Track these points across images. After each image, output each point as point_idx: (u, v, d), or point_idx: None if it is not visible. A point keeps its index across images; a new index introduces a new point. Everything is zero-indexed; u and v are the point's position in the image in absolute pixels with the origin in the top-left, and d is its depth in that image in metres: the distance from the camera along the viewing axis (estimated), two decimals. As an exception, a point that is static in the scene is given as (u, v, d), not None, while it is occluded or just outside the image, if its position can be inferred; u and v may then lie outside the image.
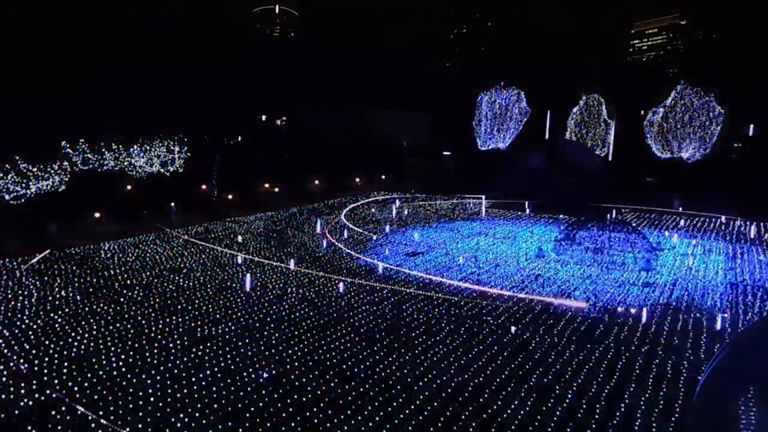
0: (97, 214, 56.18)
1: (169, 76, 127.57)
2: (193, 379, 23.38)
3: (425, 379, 23.77)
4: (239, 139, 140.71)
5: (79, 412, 20.46)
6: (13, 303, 32.26)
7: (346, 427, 20.00)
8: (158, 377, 23.46)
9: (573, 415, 21.05)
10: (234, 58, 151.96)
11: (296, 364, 25.02)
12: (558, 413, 21.17)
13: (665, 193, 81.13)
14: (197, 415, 20.58)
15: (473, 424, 20.28)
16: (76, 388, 22.27)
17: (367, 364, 25.17)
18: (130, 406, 21.10)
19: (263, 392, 22.35)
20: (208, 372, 24.08)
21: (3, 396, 21.58)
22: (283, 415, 20.71)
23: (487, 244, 51.98)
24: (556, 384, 23.54)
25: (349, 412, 21.02)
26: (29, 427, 19.49)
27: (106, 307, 31.93)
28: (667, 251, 49.77)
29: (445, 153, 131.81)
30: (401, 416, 20.76)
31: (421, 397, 22.24)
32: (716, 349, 27.00)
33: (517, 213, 70.47)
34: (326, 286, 37.13)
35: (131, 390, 22.28)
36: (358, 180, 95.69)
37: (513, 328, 29.59)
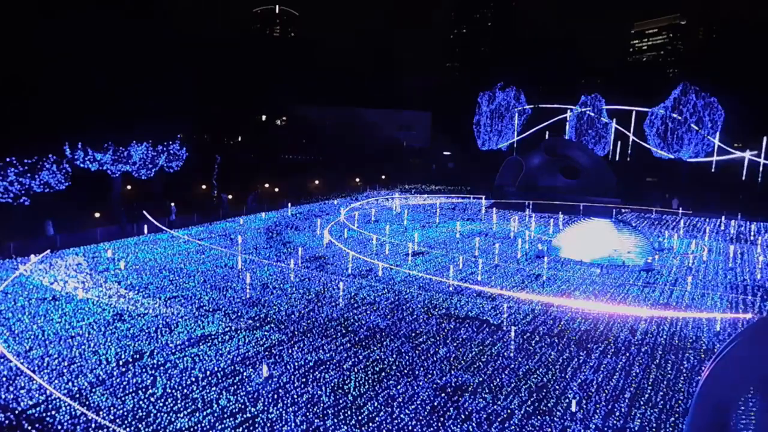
0: (97, 214, 56.12)
1: (170, 75, 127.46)
2: (193, 379, 23.40)
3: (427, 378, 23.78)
4: (239, 139, 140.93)
5: (79, 412, 20.46)
6: (13, 302, 32.32)
7: (345, 428, 20.00)
8: (158, 377, 23.47)
9: (572, 415, 21.06)
10: (234, 58, 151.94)
11: (295, 364, 25.07)
12: (557, 413, 21.17)
13: (665, 193, 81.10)
14: (197, 414, 20.58)
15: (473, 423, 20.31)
16: (76, 389, 22.29)
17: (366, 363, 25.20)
18: (130, 406, 21.10)
19: (263, 392, 22.37)
20: (208, 371, 24.10)
21: (3, 396, 21.57)
22: (283, 414, 20.72)
23: (487, 243, 52.04)
24: (555, 384, 23.55)
25: (348, 412, 21.03)
26: (29, 427, 19.47)
27: (106, 307, 31.95)
28: (667, 251, 49.83)
29: (445, 153, 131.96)
30: (401, 416, 20.78)
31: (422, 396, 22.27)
32: (716, 349, 27.00)
33: (517, 213, 70.45)
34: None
35: (131, 390, 22.29)
36: (358, 180, 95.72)
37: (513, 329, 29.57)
